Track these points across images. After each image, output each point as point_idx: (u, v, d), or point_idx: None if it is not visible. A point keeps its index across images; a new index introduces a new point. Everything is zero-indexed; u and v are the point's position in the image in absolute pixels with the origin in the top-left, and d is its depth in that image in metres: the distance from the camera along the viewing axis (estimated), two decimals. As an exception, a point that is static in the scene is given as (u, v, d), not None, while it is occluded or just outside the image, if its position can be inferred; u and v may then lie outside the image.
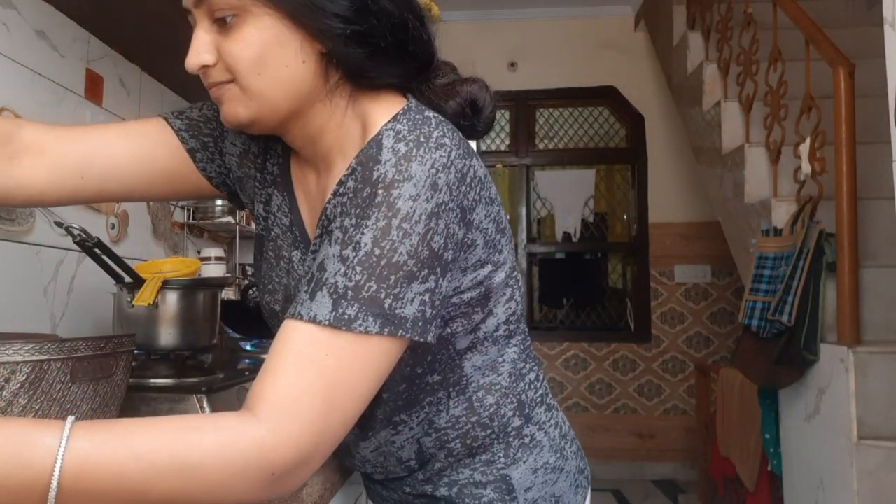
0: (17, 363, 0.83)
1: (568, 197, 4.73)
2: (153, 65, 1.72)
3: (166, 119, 0.85)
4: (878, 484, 2.03)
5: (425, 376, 0.77)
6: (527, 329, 0.87)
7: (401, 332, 0.64)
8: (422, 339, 0.65)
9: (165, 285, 1.26)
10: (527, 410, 0.83)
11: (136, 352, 1.13)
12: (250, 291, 1.92)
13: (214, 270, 2.01)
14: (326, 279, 0.64)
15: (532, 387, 0.84)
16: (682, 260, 4.61)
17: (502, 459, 0.81)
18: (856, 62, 2.28)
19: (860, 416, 2.07)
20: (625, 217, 4.94)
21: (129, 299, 1.24)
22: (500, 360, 0.81)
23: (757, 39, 2.86)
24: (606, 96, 4.78)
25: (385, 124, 0.69)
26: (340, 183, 0.71)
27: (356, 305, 0.62)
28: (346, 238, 0.64)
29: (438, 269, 0.66)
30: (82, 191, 0.84)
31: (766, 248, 2.50)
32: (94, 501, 0.53)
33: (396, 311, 0.63)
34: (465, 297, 0.73)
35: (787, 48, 2.66)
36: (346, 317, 0.62)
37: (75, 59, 1.46)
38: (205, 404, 1.14)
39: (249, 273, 2.32)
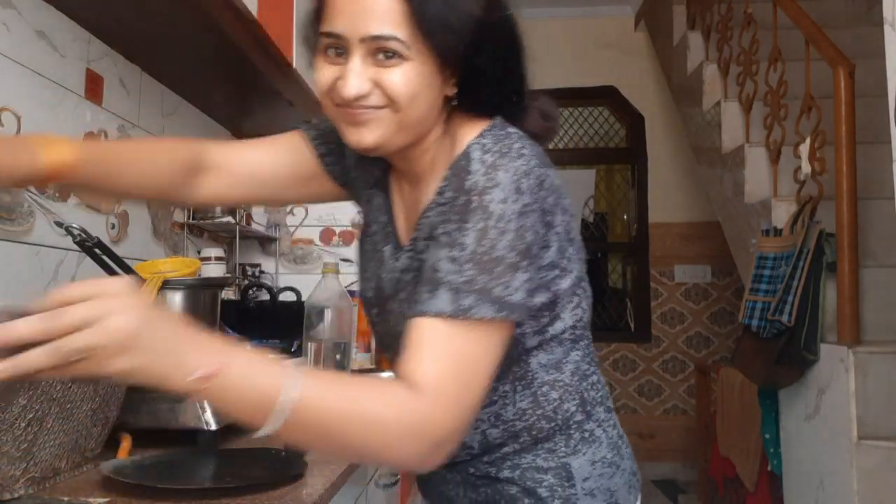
0: (17, 363, 0.83)
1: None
2: (153, 65, 1.72)
3: (302, 130, 1.00)
4: (878, 484, 2.03)
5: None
6: (591, 336, 0.94)
7: (512, 315, 0.75)
8: (523, 318, 0.79)
9: (165, 285, 1.26)
10: (588, 408, 0.90)
11: (136, 352, 1.13)
12: (250, 291, 1.92)
13: (214, 270, 2.01)
14: (441, 278, 0.74)
15: (594, 387, 0.92)
16: (682, 260, 4.61)
17: (563, 449, 0.88)
18: (856, 62, 2.28)
19: (860, 416, 2.07)
20: (625, 217, 4.94)
21: (129, 299, 1.24)
22: (565, 360, 0.89)
23: (757, 39, 2.86)
24: (606, 96, 4.77)
25: (472, 140, 0.80)
26: (439, 192, 0.82)
27: (472, 296, 0.72)
28: (451, 241, 0.75)
29: (533, 260, 0.77)
30: (245, 198, 1.07)
31: (766, 248, 2.50)
32: (301, 425, 0.67)
33: (506, 298, 0.73)
34: (535, 300, 0.82)
35: (787, 48, 2.66)
36: (465, 307, 0.72)
37: (75, 59, 1.46)
38: (205, 404, 1.14)
39: (249, 273, 2.32)
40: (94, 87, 1.53)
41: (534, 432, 0.87)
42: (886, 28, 1.52)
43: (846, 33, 3.09)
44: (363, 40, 0.75)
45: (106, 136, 1.58)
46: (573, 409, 0.89)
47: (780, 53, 2.67)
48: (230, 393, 0.66)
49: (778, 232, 2.50)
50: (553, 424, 0.88)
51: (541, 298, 0.82)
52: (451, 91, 0.83)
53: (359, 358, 2.01)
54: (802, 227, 2.33)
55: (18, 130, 1.28)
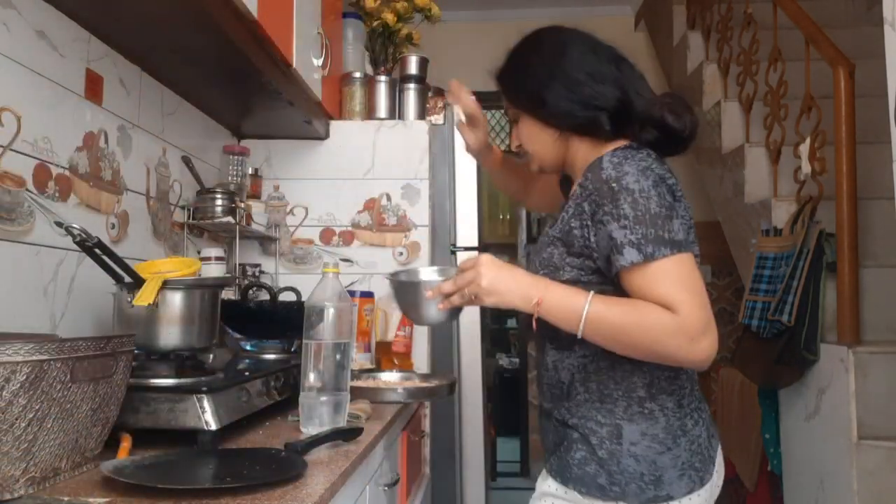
0: (17, 363, 0.83)
1: (568, 197, 4.73)
2: (153, 65, 1.72)
3: None
4: (878, 484, 2.03)
5: None
6: None
7: (683, 249, 1.02)
8: (695, 254, 1.06)
9: (165, 285, 1.26)
10: (653, 390, 1.10)
11: (136, 352, 1.13)
12: (250, 291, 1.92)
13: (214, 270, 2.00)
14: (621, 242, 1.02)
15: (668, 380, 1.11)
16: (682, 260, 4.60)
17: (621, 413, 1.10)
18: (856, 62, 2.28)
19: (860, 416, 2.07)
20: (625, 217, 4.93)
21: (129, 299, 1.24)
22: None
23: (757, 39, 2.86)
24: (606, 96, 4.76)
25: (605, 153, 1.11)
26: (580, 185, 1.13)
27: (650, 245, 1.01)
28: (615, 216, 1.03)
29: (677, 212, 1.05)
30: (540, 206, 1.62)
31: (766, 248, 2.50)
32: (597, 328, 1.03)
33: (673, 238, 1.01)
34: (691, 237, 1.08)
35: (787, 48, 2.66)
36: (649, 253, 1.01)
37: (75, 59, 1.46)
38: (205, 404, 1.14)
39: (249, 273, 2.32)
40: (94, 87, 1.53)
41: (603, 389, 1.10)
42: (886, 28, 1.52)
43: (846, 33, 3.09)
44: (506, 114, 1.30)
45: (106, 135, 1.59)
46: (639, 384, 1.09)
47: (780, 53, 2.67)
48: (553, 311, 1.05)
49: (778, 232, 2.50)
50: (619, 389, 1.10)
51: (692, 237, 1.08)
52: (557, 133, 1.18)
53: (359, 358, 2.01)
54: (802, 227, 2.33)
55: (18, 130, 1.28)
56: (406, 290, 1.24)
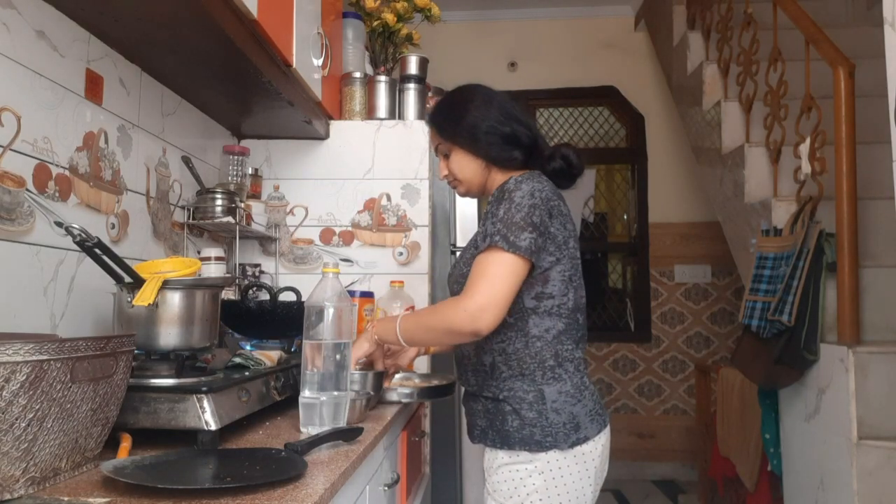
0: (17, 363, 0.83)
1: (568, 197, 4.71)
2: (153, 65, 1.72)
3: None
4: (878, 484, 2.03)
5: (508, 316, 1.35)
6: (580, 322, 1.45)
7: (518, 252, 1.30)
8: (530, 259, 1.32)
9: (165, 285, 1.26)
10: (559, 360, 1.40)
11: (136, 352, 1.13)
12: (250, 291, 1.91)
13: (214, 270, 2.01)
14: (486, 232, 1.35)
15: (567, 351, 1.41)
16: (682, 260, 4.61)
17: (539, 380, 1.38)
18: (856, 62, 2.28)
19: (860, 416, 2.07)
20: (625, 217, 4.94)
21: (129, 299, 1.24)
22: (551, 327, 1.39)
23: (757, 39, 2.86)
24: (606, 96, 4.77)
25: (513, 176, 1.43)
26: (489, 202, 1.45)
27: (498, 236, 1.31)
28: (492, 215, 1.36)
29: (537, 231, 1.33)
30: None
31: (766, 248, 2.50)
32: (410, 330, 1.42)
33: (515, 242, 1.30)
34: (535, 254, 1.32)
35: (787, 48, 2.66)
36: (494, 241, 1.31)
37: (75, 59, 1.46)
38: (205, 404, 1.14)
39: (249, 273, 2.32)
40: (94, 87, 1.53)
41: (521, 364, 1.39)
42: (886, 28, 1.52)
43: (846, 33, 3.09)
44: (437, 151, 1.55)
45: (106, 135, 1.59)
46: (548, 356, 1.39)
47: (780, 53, 2.67)
48: (382, 335, 1.46)
49: (778, 232, 2.50)
50: (534, 362, 1.39)
51: (539, 258, 1.34)
52: (484, 162, 1.47)
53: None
54: (802, 227, 2.33)
55: (18, 130, 1.28)
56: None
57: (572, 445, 1.36)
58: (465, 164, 1.48)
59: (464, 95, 1.50)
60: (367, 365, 1.55)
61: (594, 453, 1.39)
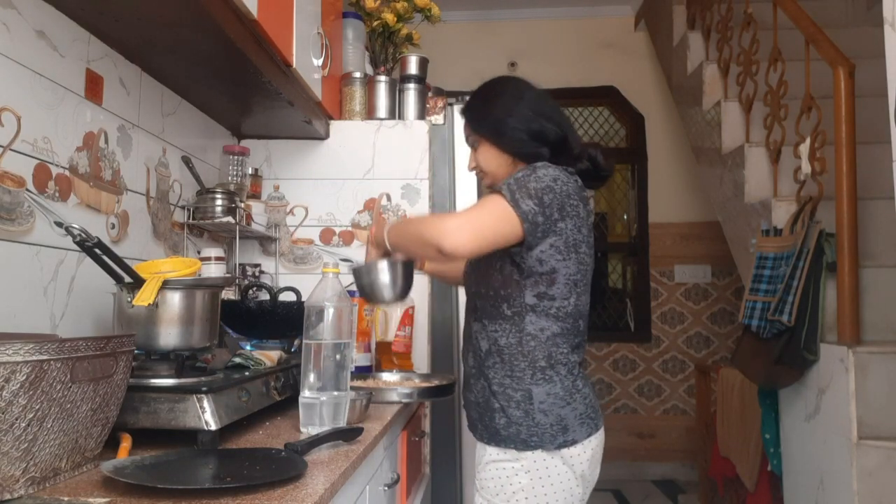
0: (17, 363, 0.83)
1: (568, 197, 4.72)
2: (153, 65, 1.72)
3: None
4: (878, 484, 2.03)
5: (501, 304, 1.40)
6: (580, 328, 1.44)
7: (515, 209, 1.30)
8: (523, 224, 1.31)
9: (165, 285, 1.26)
10: (552, 361, 1.38)
11: (136, 352, 1.13)
12: (250, 291, 1.91)
13: (214, 270, 2.01)
14: (500, 185, 1.37)
15: (563, 354, 1.40)
16: (682, 260, 4.61)
17: (528, 380, 1.38)
18: (856, 62, 2.28)
19: (860, 416, 2.07)
20: (625, 217, 4.94)
21: (129, 299, 1.24)
22: (547, 327, 1.39)
23: (757, 39, 2.86)
24: (606, 96, 4.77)
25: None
26: None
27: (505, 187, 1.33)
28: (511, 176, 1.38)
29: (543, 204, 1.33)
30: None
31: (766, 248, 2.50)
32: (397, 230, 1.44)
33: (517, 200, 1.31)
34: (531, 220, 1.32)
35: (787, 48, 2.66)
36: (499, 188, 1.34)
37: (75, 59, 1.46)
38: (205, 404, 1.14)
39: (249, 273, 2.32)
40: (94, 87, 1.53)
41: (513, 361, 1.39)
42: (886, 28, 1.52)
43: (846, 33, 3.09)
44: (468, 142, 1.55)
45: (106, 135, 1.59)
46: (540, 357, 1.38)
47: (780, 53, 2.66)
48: (376, 235, 1.47)
49: (778, 232, 2.50)
50: (525, 361, 1.38)
51: (533, 234, 1.33)
52: (511, 156, 1.47)
53: (359, 358, 2.01)
54: (802, 227, 2.33)
55: (18, 130, 1.28)
56: (361, 274, 1.45)
57: (559, 447, 1.36)
58: (492, 158, 1.48)
59: (495, 89, 1.50)
60: None
61: (583, 457, 1.39)
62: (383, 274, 1.42)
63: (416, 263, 1.52)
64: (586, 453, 1.39)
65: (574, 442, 1.37)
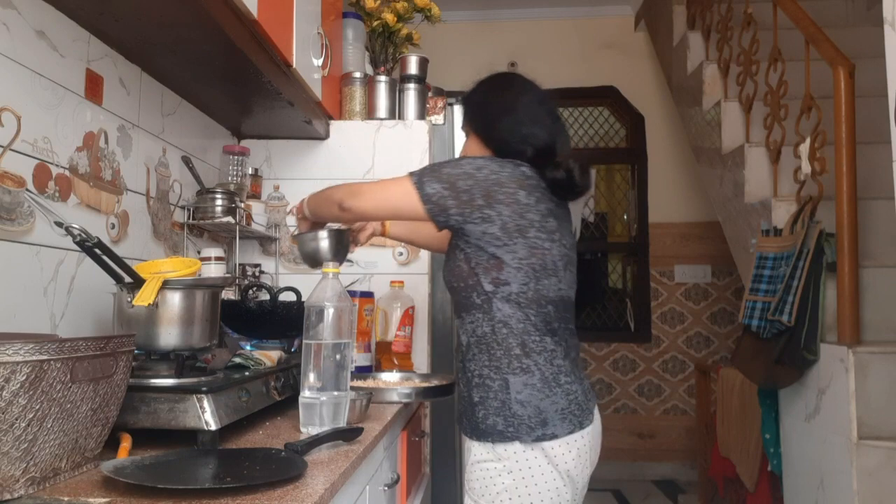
0: (17, 363, 0.83)
1: (568, 197, 4.72)
2: (153, 65, 1.72)
3: None
4: (878, 484, 2.03)
5: (471, 294, 1.40)
6: (552, 313, 1.39)
7: (419, 189, 1.36)
8: (423, 204, 1.36)
9: (165, 285, 1.26)
10: (527, 349, 1.37)
11: (136, 352, 1.13)
12: (250, 291, 1.91)
13: (214, 270, 2.01)
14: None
15: (534, 341, 1.38)
16: (682, 260, 4.61)
17: (506, 368, 1.37)
18: (856, 62, 2.28)
19: (860, 416, 2.07)
20: (625, 217, 4.94)
21: (129, 299, 1.24)
22: (515, 315, 1.37)
23: (757, 39, 2.86)
24: (606, 96, 4.77)
25: None
26: None
27: (416, 172, 1.39)
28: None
29: (456, 188, 1.35)
30: (437, 248, 1.81)
31: (766, 248, 2.50)
32: (315, 199, 1.55)
33: (423, 180, 1.37)
34: (480, 256, 1.37)
35: (787, 48, 2.66)
36: (411, 171, 1.40)
37: (75, 59, 1.46)
38: (205, 404, 1.14)
39: (249, 273, 2.32)
40: (94, 87, 1.53)
41: (489, 349, 1.39)
42: (886, 28, 1.52)
43: (846, 33, 3.09)
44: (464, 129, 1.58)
45: (106, 135, 1.59)
46: (514, 345, 1.37)
47: (780, 53, 2.66)
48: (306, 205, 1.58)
49: (778, 232, 2.50)
50: (501, 349, 1.38)
51: (442, 217, 1.37)
52: (492, 151, 1.47)
53: (359, 358, 2.01)
54: (802, 227, 2.33)
55: (18, 130, 1.28)
56: (305, 241, 1.59)
57: (537, 440, 1.33)
58: (476, 151, 1.50)
59: (496, 86, 1.52)
60: None
61: (566, 455, 1.35)
62: (323, 241, 1.57)
63: (378, 230, 1.74)
64: (571, 452, 1.35)
65: (553, 436, 1.33)
